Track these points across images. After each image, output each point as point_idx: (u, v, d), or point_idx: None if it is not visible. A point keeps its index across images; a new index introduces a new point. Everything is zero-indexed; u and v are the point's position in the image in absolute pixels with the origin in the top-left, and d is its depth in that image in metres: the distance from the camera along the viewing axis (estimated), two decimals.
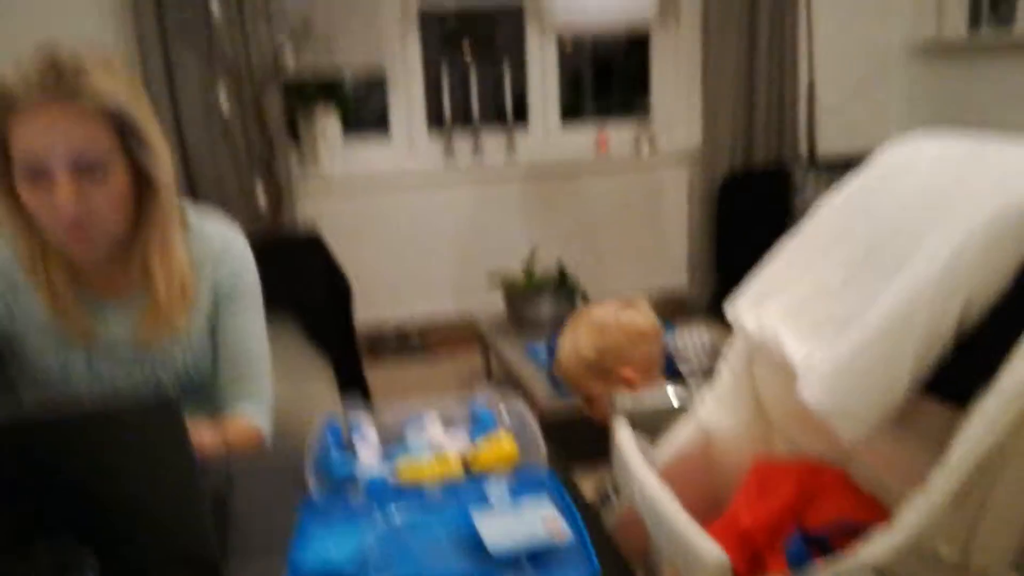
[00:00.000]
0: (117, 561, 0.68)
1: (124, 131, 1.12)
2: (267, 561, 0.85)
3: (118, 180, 1.13)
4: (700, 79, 3.69)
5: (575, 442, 1.66)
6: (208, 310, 1.30)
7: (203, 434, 1.16)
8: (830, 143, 3.75)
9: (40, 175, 1.08)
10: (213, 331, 1.32)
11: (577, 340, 1.61)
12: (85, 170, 1.09)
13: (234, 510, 0.96)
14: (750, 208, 3.53)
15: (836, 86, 3.79)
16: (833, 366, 0.81)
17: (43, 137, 1.07)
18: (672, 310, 3.79)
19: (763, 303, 0.99)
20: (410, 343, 3.68)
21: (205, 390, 1.34)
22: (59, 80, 1.06)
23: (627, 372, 1.57)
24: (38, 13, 3.07)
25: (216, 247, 1.30)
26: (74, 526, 0.67)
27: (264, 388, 1.34)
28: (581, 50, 4.12)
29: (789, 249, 1.02)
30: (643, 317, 1.63)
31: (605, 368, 1.57)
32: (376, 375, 3.38)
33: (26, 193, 1.10)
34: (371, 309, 3.57)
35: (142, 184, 1.17)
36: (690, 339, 2.62)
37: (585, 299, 3.00)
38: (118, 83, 1.12)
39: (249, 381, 1.33)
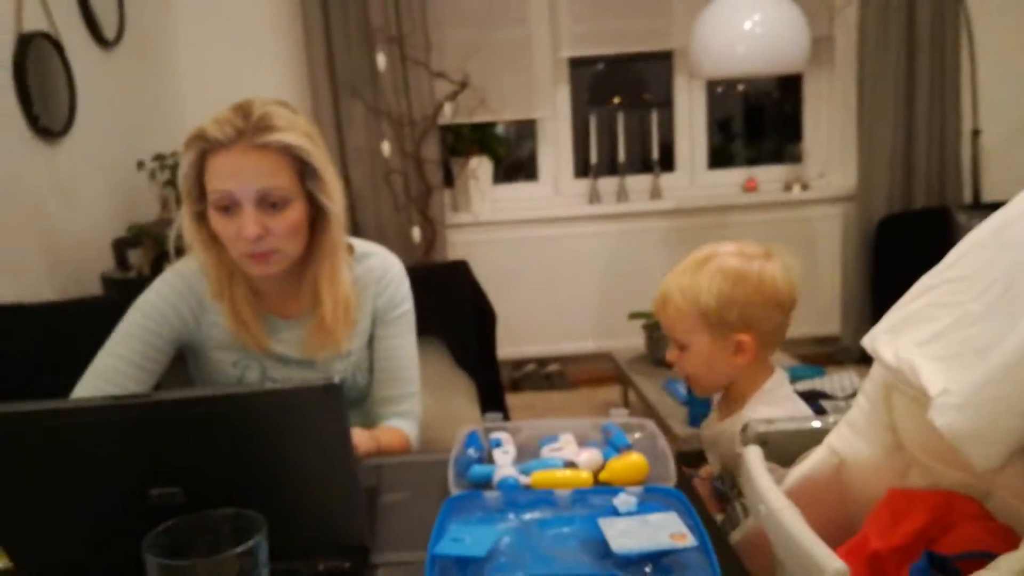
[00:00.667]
0: (276, 536, 0.77)
1: (303, 169, 1.27)
2: (410, 550, 0.93)
3: (296, 211, 1.27)
4: (856, 121, 3.62)
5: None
6: (367, 330, 1.43)
7: (359, 436, 1.26)
8: (996, 188, 3.56)
9: (230, 207, 1.23)
10: (371, 349, 1.44)
11: (699, 281, 1.35)
12: (269, 204, 1.24)
13: (382, 503, 1.05)
14: (908, 252, 3.39)
15: (1002, 130, 3.61)
16: (967, 392, 0.80)
17: (235, 176, 1.22)
18: (823, 357, 3.67)
19: (901, 334, 0.99)
20: (551, 378, 3.75)
21: (361, 404, 1.46)
22: (250, 126, 1.22)
23: (744, 338, 1.34)
24: (230, 72, 3.42)
25: (377, 273, 1.43)
26: (242, 498, 0.76)
27: (414, 405, 1.45)
28: (731, 96, 4.12)
29: (930, 281, 1.02)
30: (785, 278, 1.35)
31: (723, 322, 1.34)
32: (517, 404, 3.48)
33: (216, 221, 1.26)
34: (515, 345, 3.68)
35: (316, 214, 1.31)
36: (839, 382, 2.56)
37: None
38: (299, 128, 1.27)
39: (402, 399, 1.44)
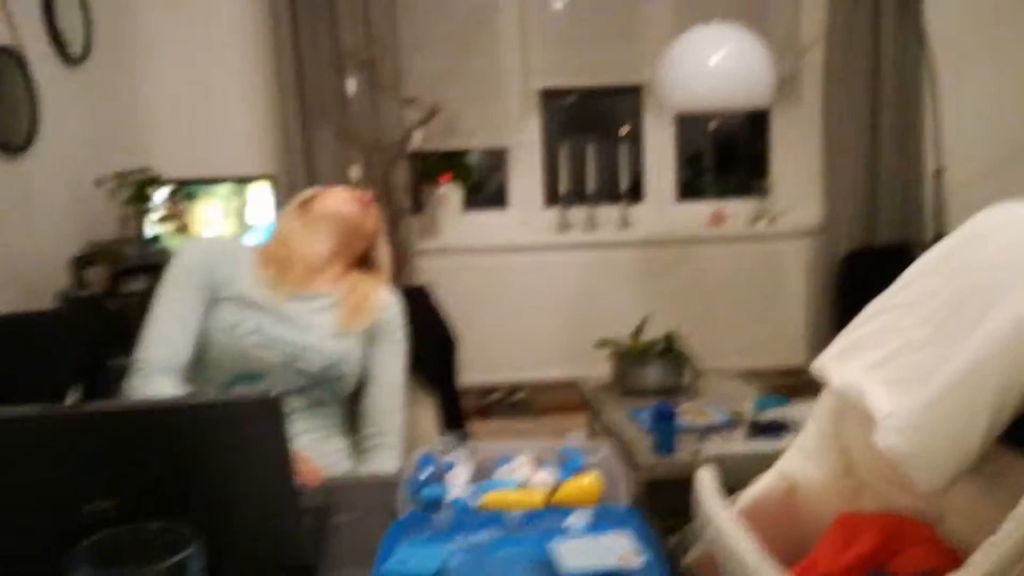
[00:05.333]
0: (216, 554, 0.74)
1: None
2: (358, 569, 0.91)
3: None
4: (821, 158, 3.68)
5: (676, 502, 1.65)
6: (365, 337, 1.56)
7: (308, 466, 1.25)
8: (958, 226, 3.61)
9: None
10: (363, 357, 1.56)
11: None
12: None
13: (332, 523, 1.03)
14: (873, 286, 3.41)
15: (964, 169, 3.67)
16: (910, 415, 0.81)
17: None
18: (789, 388, 3.69)
19: (849, 359, 1.00)
20: (518, 405, 3.73)
21: (334, 390, 1.54)
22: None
23: None
24: (197, 92, 3.42)
25: (384, 296, 1.61)
26: (179, 515, 0.74)
27: (399, 423, 1.57)
28: (701, 131, 4.18)
29: (877, 307, 1.03)
30: None
31: None
32: (483, 431, 3.45)
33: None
34: (482, 372, 3.66)
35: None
36: (803, 412, 2.56)
37: (694, 369, 2.98)
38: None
39: (392, 413, 1.57)
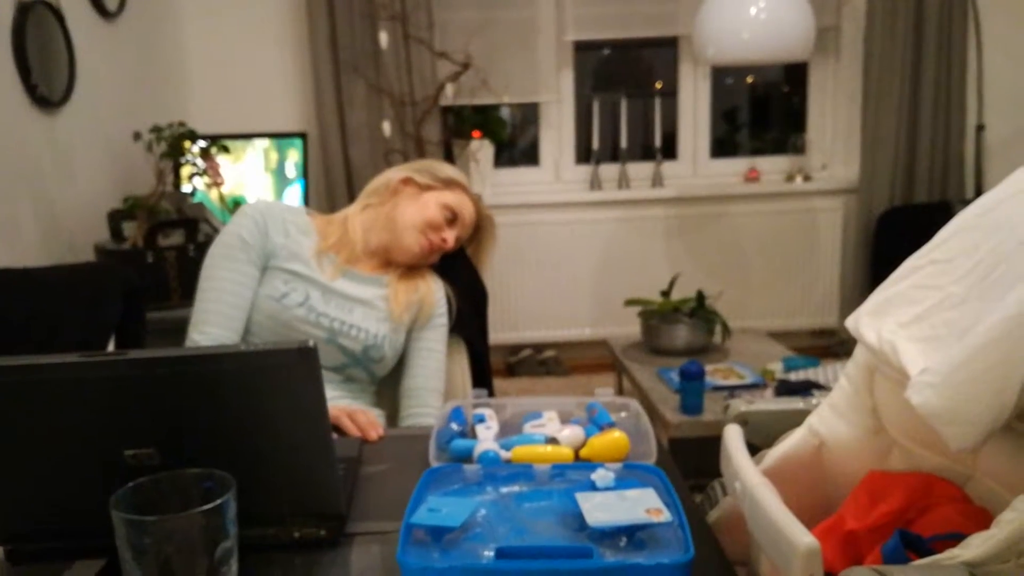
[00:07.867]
0: (251, 501, 0.76)
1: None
2: (388, 520, 0.94)
3: None
4: (860, 113, 3.60)
5: (702, 461, 1.66)
6: (411, 321, 1.59)
7: (366, 418, 1.28)
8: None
9: (444, 223, 1.58)
10: (406, 339, 1.59)
11: None
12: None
13: (363, 474, 1.06)
14: (908, 245, 3.36)
15: (1006, 126, 3.58)
16: (944, 371, 0.80)
17: (465, 212, 1.61)
18: (820, 350, 3.67)
19: (884, 315, 0.99)
20: (547, 364, 3.75)
21: (370, 370, 1.56)
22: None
23: None
24: (231, 47, 3.42)
25: (432, 285, 1.63)
26: (216, 461, 0.76)
27: (438, 403, 1.57)
28: (737, 86, 4.10)
29: (913, 263, 1.01)
30: None
31: None
32: (511, 389, 3.48)
33: (436, 212, 1.58)
34: (511, 330, 3.68)
35: None
36: (832, 373, 2.55)
37: (726, 329, 2.97)
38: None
39: (431, 393, 1.58)
